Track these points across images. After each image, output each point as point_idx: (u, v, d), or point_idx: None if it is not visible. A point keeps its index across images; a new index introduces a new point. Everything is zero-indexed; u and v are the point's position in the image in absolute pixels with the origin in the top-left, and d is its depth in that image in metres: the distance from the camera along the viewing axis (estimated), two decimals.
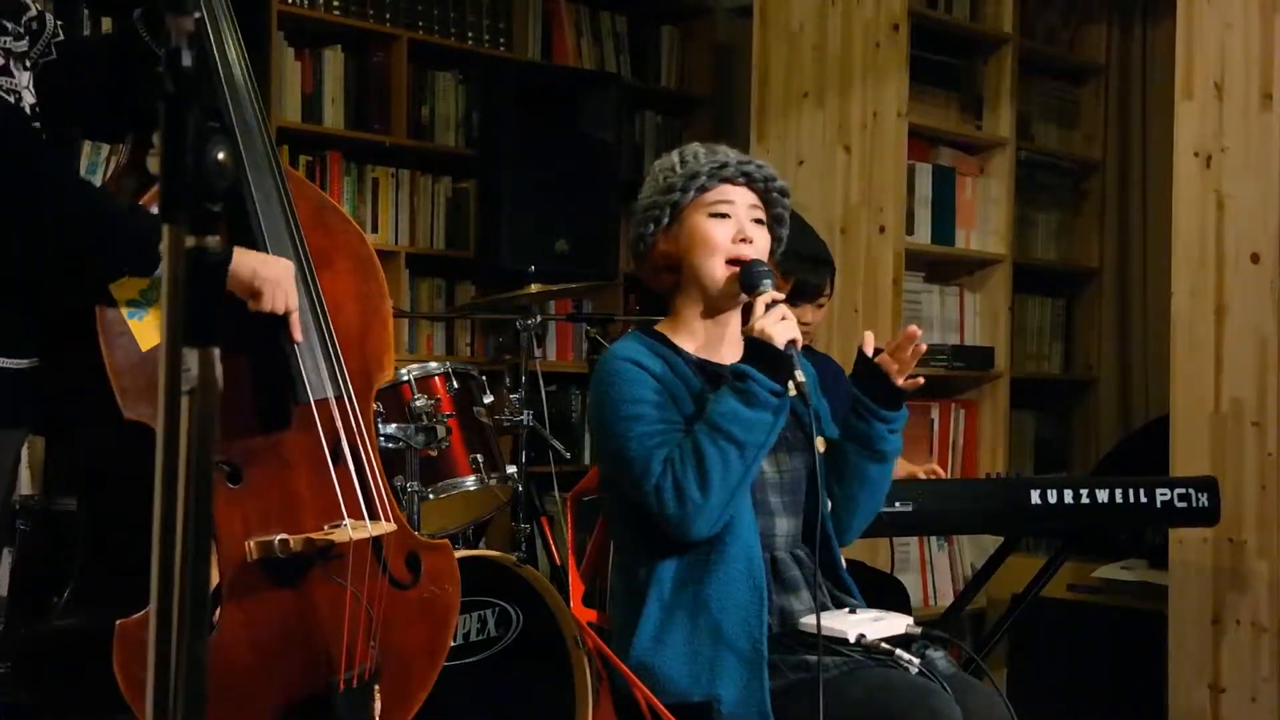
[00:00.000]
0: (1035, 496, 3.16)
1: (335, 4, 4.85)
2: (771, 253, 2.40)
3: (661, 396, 2.26)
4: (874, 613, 2.28)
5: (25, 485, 3.29)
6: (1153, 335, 5.05)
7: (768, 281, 2.27)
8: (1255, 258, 3.62)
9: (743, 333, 2.30)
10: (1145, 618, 3.95)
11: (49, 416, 2.31)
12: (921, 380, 2.38)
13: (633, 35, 5.71)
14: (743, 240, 2.32)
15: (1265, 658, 3.58)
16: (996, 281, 4.87)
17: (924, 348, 2.33)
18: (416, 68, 5.09)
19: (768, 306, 2.24)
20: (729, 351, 2.39)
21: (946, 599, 4.58)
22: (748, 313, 2.34)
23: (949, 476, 3.63)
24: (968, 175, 4.83)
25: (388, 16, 4.98)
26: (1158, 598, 3.87)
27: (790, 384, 2.19)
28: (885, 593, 3.32)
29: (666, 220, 2.36)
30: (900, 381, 2.35)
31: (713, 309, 2.37)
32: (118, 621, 2.12)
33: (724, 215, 2.33)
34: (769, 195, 2.39)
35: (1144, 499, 3.21)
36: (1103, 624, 4.19)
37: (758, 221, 2.36)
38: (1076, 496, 3.17)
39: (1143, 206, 5.27)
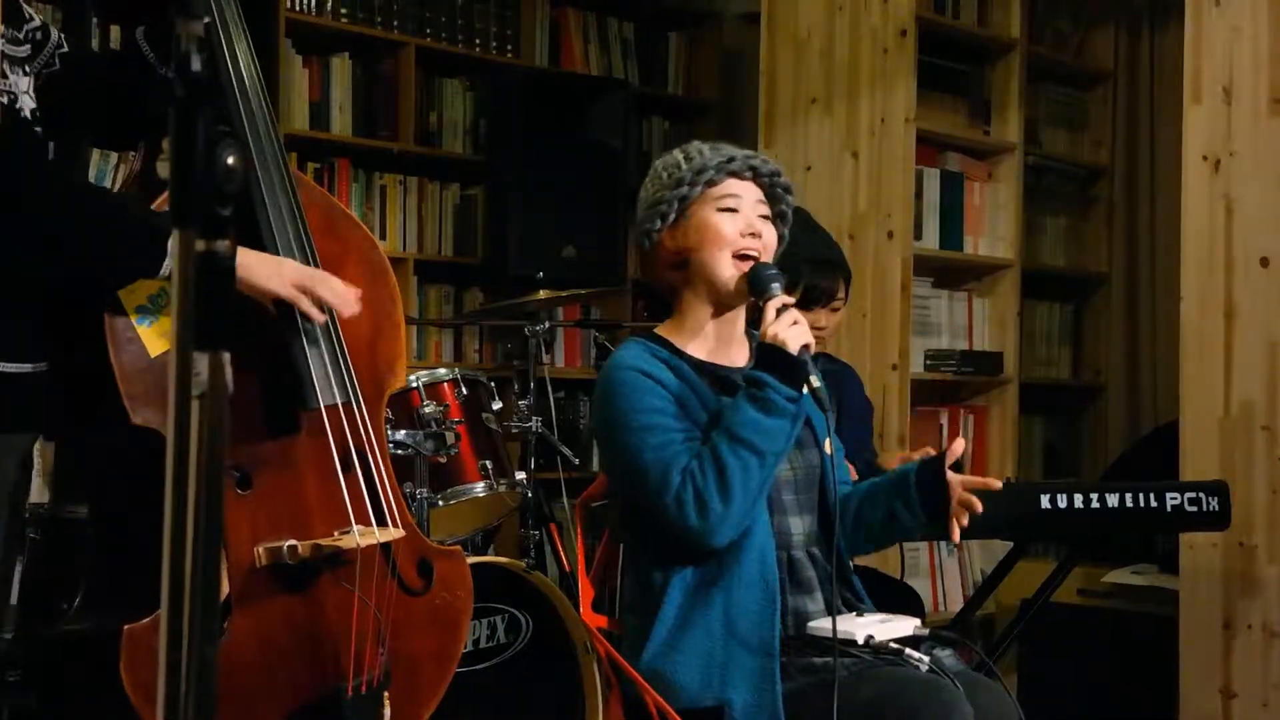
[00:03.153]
0: (1045, 501, 3.15)
1: (343, 11, 4.86)
2: (775, 250, 2.38)
3: (674, 405, 2.25)
4: (881, 615, 2.28)
5: (35, 493, 3.28)
6: (1162, 340, 5.04)
7: (777, 285, 2.26)
8: (1264, 261, 3.61)
9: (755, 338, 2.28)
10: (1156, 623, 3.94)
11: (59, 421, 2.31)
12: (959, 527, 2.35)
13: (640, 42, 5.72)
14: (752, 235, 2.31)
15: (1276, 662, 3.57)
16: (1005, 287, 4.86)
17: (978, 508, 2.32)
18: (424, 75, 5.10)
19: (779, 311, 2.23)
20: (737, 352, 2.38)
21: (956, 604, 4.57)
22: (753, 313, 2.34)
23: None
24: (976, 181, 4.82)
25: (395, 24, 4.98)
26: (1168, 602, 3.86)
27: (805, 389, 2.18)
28: (898, 599, 3.31)
29: (674, 216, 2.34)
30: (952, 520, 2.31)
31: (720, 306, 2.36)
32: (125, 626, 2.12)
33: (732, 210, 2.32)
34: (774, 191, 2.39)
35: (1154, 504, 3.20)
36: (1113, 629, 4.17)
37: (764, 217, 2.35)
38: (1086, 501, 3.17)
39: (1151, 211, 5.26)
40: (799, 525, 2.33)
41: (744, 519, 2.19)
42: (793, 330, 2.21)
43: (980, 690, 2.18)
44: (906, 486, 2.36)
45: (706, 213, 2.32)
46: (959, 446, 2.32)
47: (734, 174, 2.34)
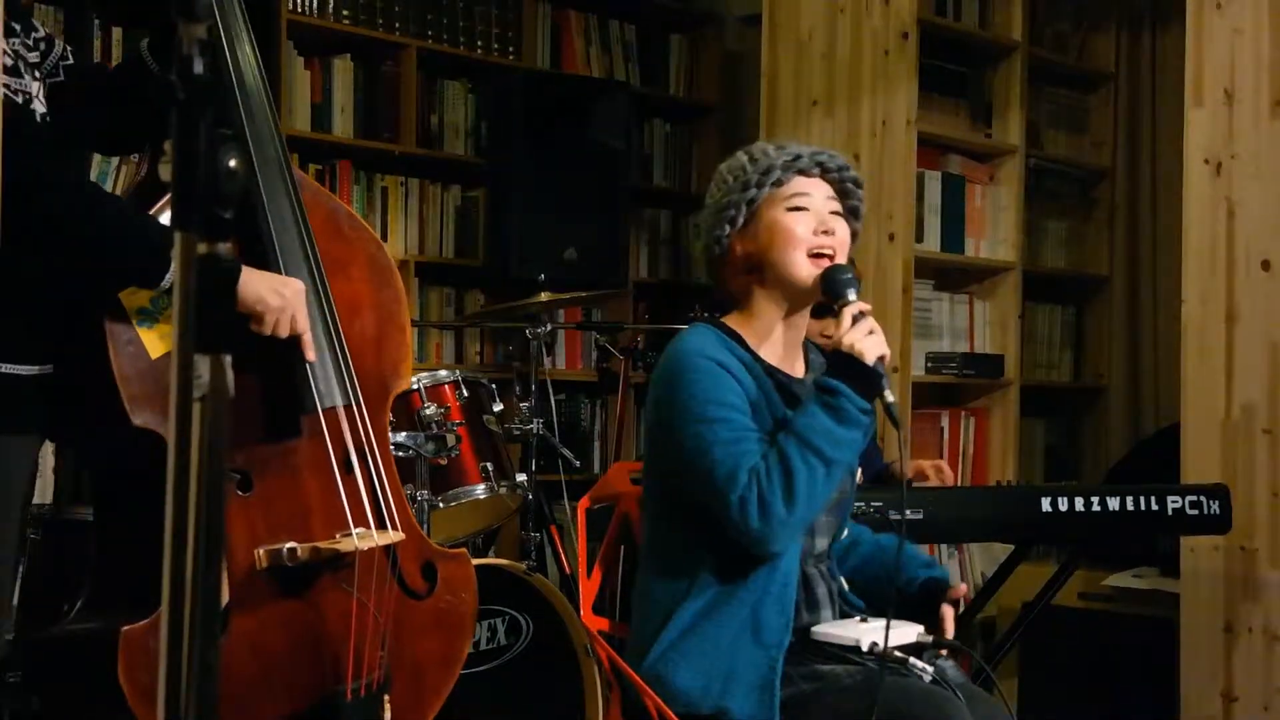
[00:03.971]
0: (1046, 504, 3.15)
1: (345, 13, 4.86)
2: (850, 246, 2.33)
3: (747, 404, 2.20)
4: (884, 621, 2.27)
5: (36, 493, 3.29)
6: (1163, 343, 5.04)
7: (853, 291, 2.21)
8: (1265, 264, 3.61)
9: (829, 344, 2.24)
10: (1157, 626, 3.93)
11: (63, 422, 2.31)
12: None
13: (642, 44, 5.72)
14: (824, 232, 2.26)
15: (1278, 666, 3.57)
16: (1006, 289, 4.86)
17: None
18: (426, 77, 5.10)
19: (855, 319, 2.18)
20: (799, 362, 2.35)
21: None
22: (816, 314, 2.30)
23: (957, 482, 3.62)
24: (977, 183, 4.82)
25: (397, 26, 4.99)
26: (1169, 606, 3.85)
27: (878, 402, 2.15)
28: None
29: (743, 220, 2.28)
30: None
31: (794, 307, 2.30)
32: (123, 628, 2.12)
33: (802, 209, 2.27)
34: (844, 186, 2.33)
35: (1155, 507, 3.20)
36: (1114, 632, 4.17)
37: (835, 214, 2.30)
38: (1087, 504, 3.16)
39: (1152, 214, 5.26)
40: (822, 544, 2.32)
41: (803, 528, 2.17)
42: (870, 340, 2.16)
43: (980, 703, 2.17)
44: (898, 591, 2.36)
45: (776, 214, 2.27)
46: (962, 589, 2.35)
47: (801, 172, 2.29)
